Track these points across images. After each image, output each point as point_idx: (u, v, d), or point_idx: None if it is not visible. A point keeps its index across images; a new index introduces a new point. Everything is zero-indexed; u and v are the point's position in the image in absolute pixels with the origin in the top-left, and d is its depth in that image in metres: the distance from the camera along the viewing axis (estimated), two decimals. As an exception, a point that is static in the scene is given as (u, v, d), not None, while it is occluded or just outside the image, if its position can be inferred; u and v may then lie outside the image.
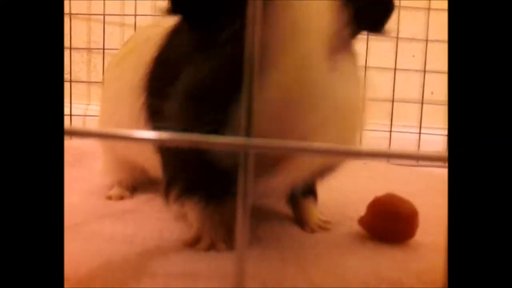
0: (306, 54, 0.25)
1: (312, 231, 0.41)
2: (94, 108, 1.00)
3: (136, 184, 0.51)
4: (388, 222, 0.36)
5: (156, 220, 0.39)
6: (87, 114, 1.01)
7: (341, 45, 0.28)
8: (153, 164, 0.39)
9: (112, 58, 0.55)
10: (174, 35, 0.38)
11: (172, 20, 0.37)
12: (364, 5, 0.29)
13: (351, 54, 0.31)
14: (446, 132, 1.13)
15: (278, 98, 0.24)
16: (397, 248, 0.35)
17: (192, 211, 0.36)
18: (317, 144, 0.19)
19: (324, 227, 0.42)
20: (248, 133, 0.17)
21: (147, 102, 0.37)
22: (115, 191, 0.50)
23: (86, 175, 0.52)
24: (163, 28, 0.40)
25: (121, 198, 0.49)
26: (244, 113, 0.17)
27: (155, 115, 0.35)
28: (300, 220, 0.43)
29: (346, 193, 0.56)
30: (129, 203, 0.46)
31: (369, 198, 0.38)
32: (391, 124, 1.12)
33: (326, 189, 0.47)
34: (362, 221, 0.38)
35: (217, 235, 0.34)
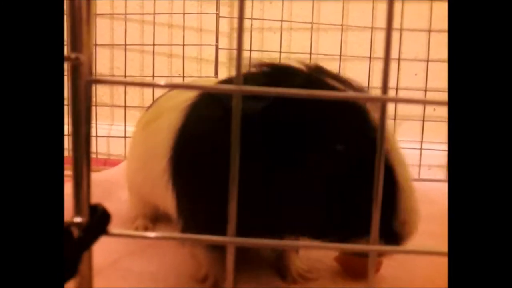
0: None
1: (294, 281, 0.44)
2: (117, 128, 1.10)
3: (158, 215, 0.60)
4: (357, 260, 0.42)
5: (174, 256, 0.47)
6: (111, 134, 1.11)
7: None
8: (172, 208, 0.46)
9: (138, 121, 0.61)
10: (201, 105, 0.41)
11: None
12: None
13: None
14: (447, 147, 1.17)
15: None
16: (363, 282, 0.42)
17: (202, 253, 0.43)
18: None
19: (306, 277, 0.44)
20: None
21: (173, 176, 0.42)
22: (140, 223, 0.59)
23: (115, 207, 0.61)
24: (189, 97, 0.43)
25: (146, 229, 0.58)
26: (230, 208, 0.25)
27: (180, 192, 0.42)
28: (281, 269, 0.45)
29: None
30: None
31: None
32: (394, 140, 1.17)
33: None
34: (337, 258, 0.46)
35: (222, 276, 0.41)
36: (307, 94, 0.22)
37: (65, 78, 0.23)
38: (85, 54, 0.23)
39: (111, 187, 0.68)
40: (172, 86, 0.26)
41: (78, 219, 0.23)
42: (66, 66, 0.23)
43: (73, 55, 0.22)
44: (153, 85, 0.22)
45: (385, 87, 0.23)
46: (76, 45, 0.23)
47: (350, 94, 0.30)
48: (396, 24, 1.15)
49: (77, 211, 0.23)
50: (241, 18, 0.22)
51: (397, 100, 0.24)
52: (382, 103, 0.23)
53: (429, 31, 1.15)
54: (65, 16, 0.23)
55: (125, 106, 1.09)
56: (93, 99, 1.11)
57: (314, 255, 0.47)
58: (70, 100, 0.23)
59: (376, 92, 0.35)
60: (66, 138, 0.29)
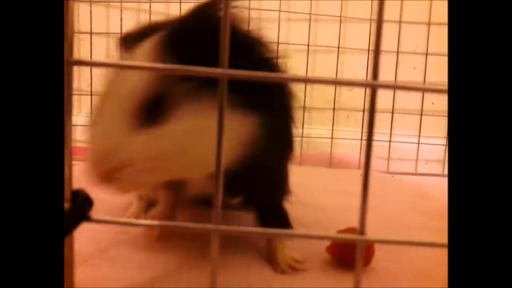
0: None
1: (282, 272, 0.42)
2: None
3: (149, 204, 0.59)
4: (349, 250, 0.42)
5: (164, 244, 0.47)
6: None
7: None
8: None
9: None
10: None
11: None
12: None
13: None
14: (445, 141, 1.17)
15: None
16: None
17: (162, 193, 0.52)
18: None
19: (295, 267, 0.43)
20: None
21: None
22: (132, 210, 0.58)
23: (109, 194, 0.61)
24: None
25: (137, 217, 0.58)
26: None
27: None
28: (271, 258, 0.44)
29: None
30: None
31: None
32: (391, 134, 1.17)
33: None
34: (329, 249, 0.46)
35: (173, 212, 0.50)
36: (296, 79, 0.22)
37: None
38: (65, 35, 0.22)
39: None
40: (159, 69, 0.25)
41: (58, 205, 0.22)
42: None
43: (53, 35, 0.22)
44: (143, 67, 0.21)
45: (375, 73, 0.22)
46: (56, 25, 0.22)
47: (340, 79, 0.30)
48: (395, 16, 1.14)
49: (58, 196, 0.22)
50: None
51: (392, 87, 0.24)
52: (372, 89, 0.22)
53: (429, 24, 1.14)
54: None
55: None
56: (89, 88, 1.10)
57: (306, 245, 0.47)
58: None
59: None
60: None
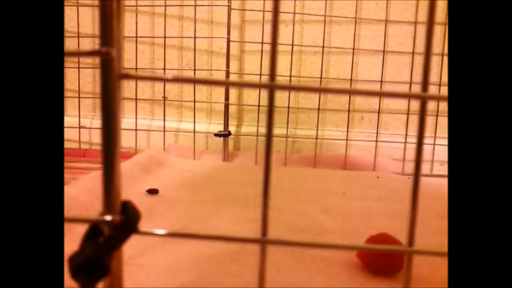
0: None
1: None
2: (127, 120, 1.10)
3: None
4: (381, 257, 0.43)
5: (192, 248, 0.47)
6: (121, 127, 1.11)
7: None
8: None
9: None
10: None
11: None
12: None
13: None
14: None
15: None
16: (387, 278, 0.43)
17: None
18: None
19: None
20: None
21: None
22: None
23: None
24: None
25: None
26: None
27: None
28: None
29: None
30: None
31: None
32: (406, 135, 1.16)
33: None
34: (359, 254, 0.46)
35: None
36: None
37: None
38: (115, 48, 0.22)
39: (124, 180, 0.68)
40: (217, 83, 0.24)
41: (108, 217, 0.22)
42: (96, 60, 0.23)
43: (103, 49, 0.22)
44: (194, 81, 0.21)
45: (425, 84, 0.22)
46: (106, 39, 0.22)
47: (388, 91, 0.30)
48: (410, 17, 1.13)
49: (108, 209, 0.22)
50: (276, 12, 0.22)
51: (438, 98, 0.24)
52: (422, 101, 0.22)
53: (445, 24, 1.13)
54: (95, 10, 0.23)
55: (136, 99, 1.09)
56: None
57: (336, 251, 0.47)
58: (101, 95, 0.23)
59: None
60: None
